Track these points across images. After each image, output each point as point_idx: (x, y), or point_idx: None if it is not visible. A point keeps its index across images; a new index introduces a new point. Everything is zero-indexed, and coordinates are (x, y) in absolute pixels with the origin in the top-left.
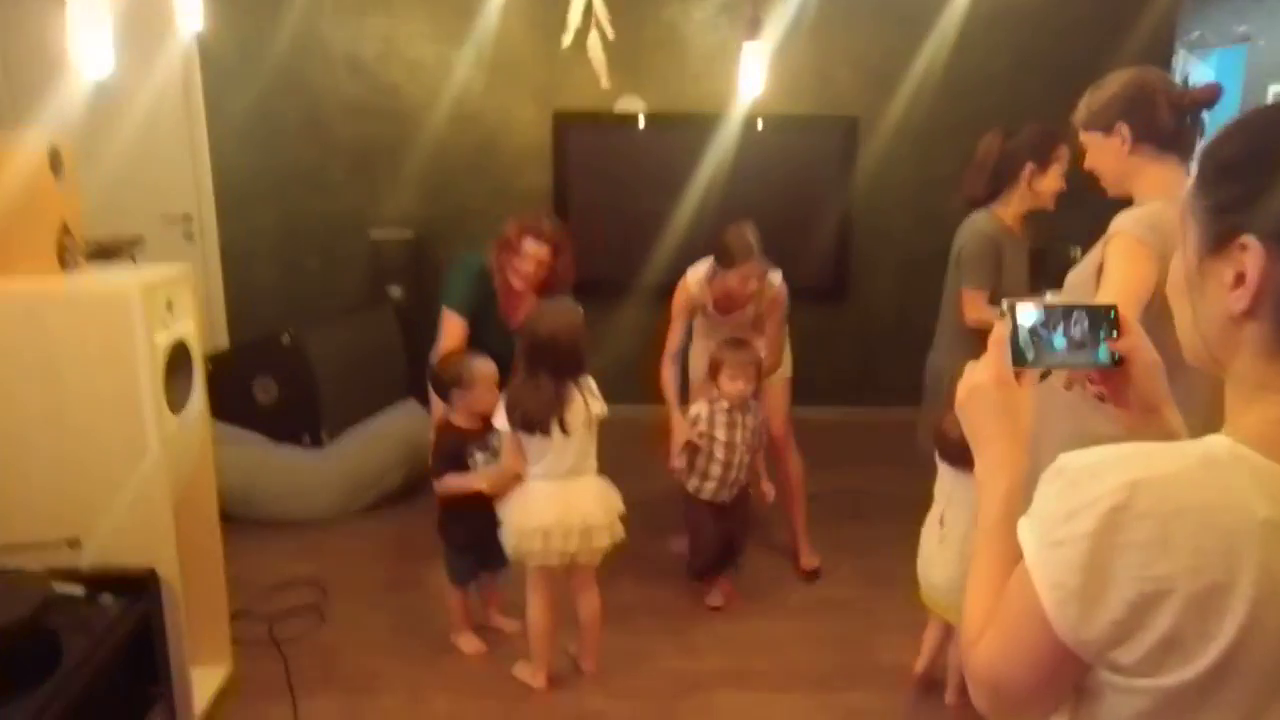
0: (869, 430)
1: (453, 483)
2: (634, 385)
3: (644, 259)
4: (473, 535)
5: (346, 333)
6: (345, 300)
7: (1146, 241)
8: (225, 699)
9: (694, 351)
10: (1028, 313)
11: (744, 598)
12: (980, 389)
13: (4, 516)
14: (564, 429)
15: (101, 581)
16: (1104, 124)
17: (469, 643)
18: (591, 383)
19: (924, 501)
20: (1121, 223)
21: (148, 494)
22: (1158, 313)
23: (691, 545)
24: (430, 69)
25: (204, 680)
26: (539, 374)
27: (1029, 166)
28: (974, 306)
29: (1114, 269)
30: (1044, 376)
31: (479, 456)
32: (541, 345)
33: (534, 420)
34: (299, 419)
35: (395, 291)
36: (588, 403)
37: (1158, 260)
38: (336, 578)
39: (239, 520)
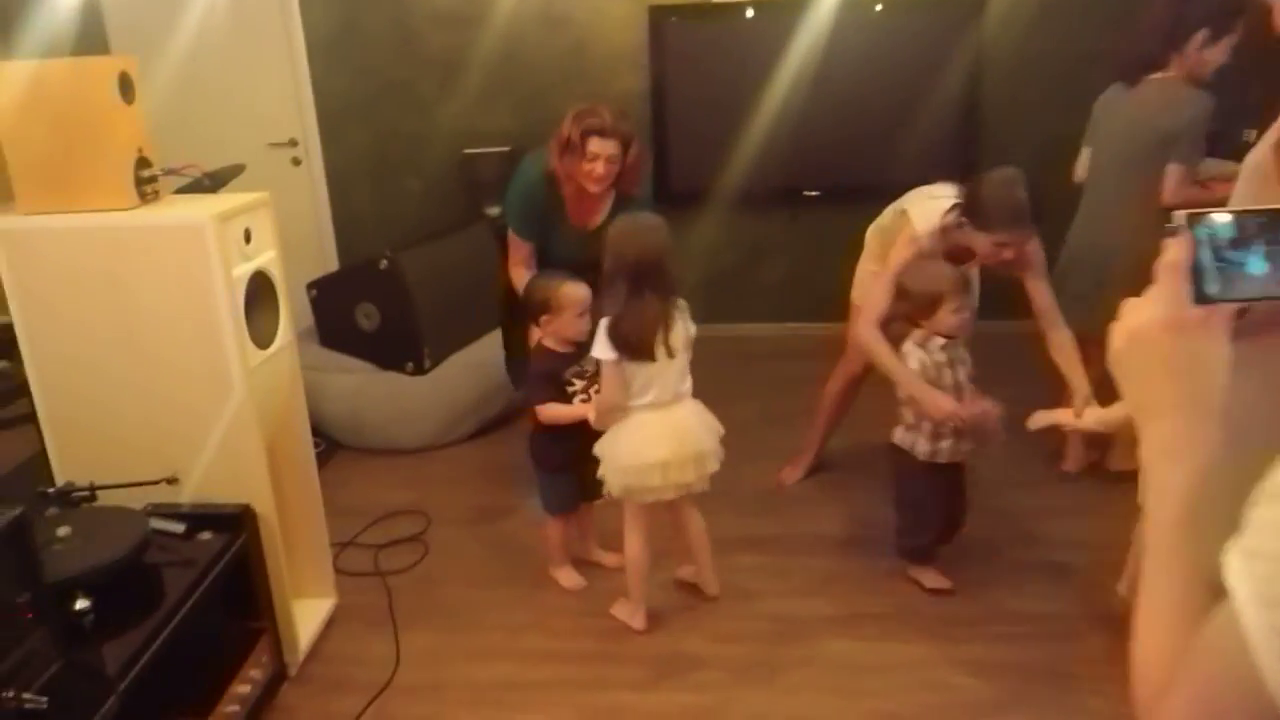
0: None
1: (557, 412)
2: (736, 301)
3: (754, 163)
4: (571, 460)
5: (444, 255)
6: (444, 221)
7: None
8: (331, 630)
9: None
10: (1213, 226)
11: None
12: (1146, 336)
13: (109, 456)
14: (670, 352)
15: (200, 518)
16: None
17: (568, 577)
18: (681, 301)
19: None
20: None
21: (238, 432)
22: None
23: (911, 521)
24: None
25: (310, 613)
26: (639, 295)
27: (1203, 34)
28: (1184, 185)
29: None
30: (1241, 315)
31: (576, 383)
32: (633, 265)
33: (640, 345)
34: (401, 346)
35: (492, 210)
36: (685, 323)
37: None
38: (439, 507)
39: (348, 448)
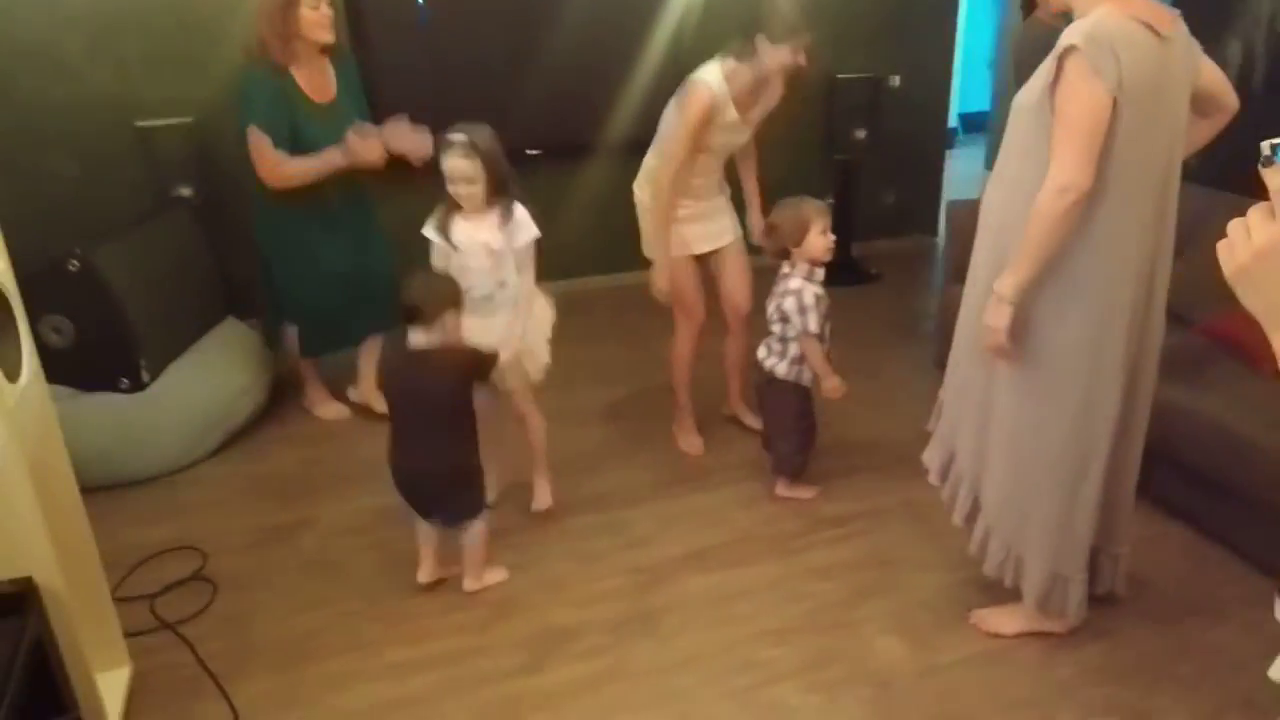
0: None
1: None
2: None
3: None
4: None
5: (143, 248)
6: (119, 209)
7: (1101, 66)
8: (139, 703)
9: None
10: None
11: (667, 470)
12: (1276, 251)
13: None
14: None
15: None
16: None
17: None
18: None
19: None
20: (1071, 38)
21: (3, 487)
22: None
23: (797, 443)
24: None
25: (107, 689)
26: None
27: None
28: None
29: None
30: None
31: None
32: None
33: None
34: (108, 360)
35: (184, 190)
36: None
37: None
38: (210, 537)
39: None
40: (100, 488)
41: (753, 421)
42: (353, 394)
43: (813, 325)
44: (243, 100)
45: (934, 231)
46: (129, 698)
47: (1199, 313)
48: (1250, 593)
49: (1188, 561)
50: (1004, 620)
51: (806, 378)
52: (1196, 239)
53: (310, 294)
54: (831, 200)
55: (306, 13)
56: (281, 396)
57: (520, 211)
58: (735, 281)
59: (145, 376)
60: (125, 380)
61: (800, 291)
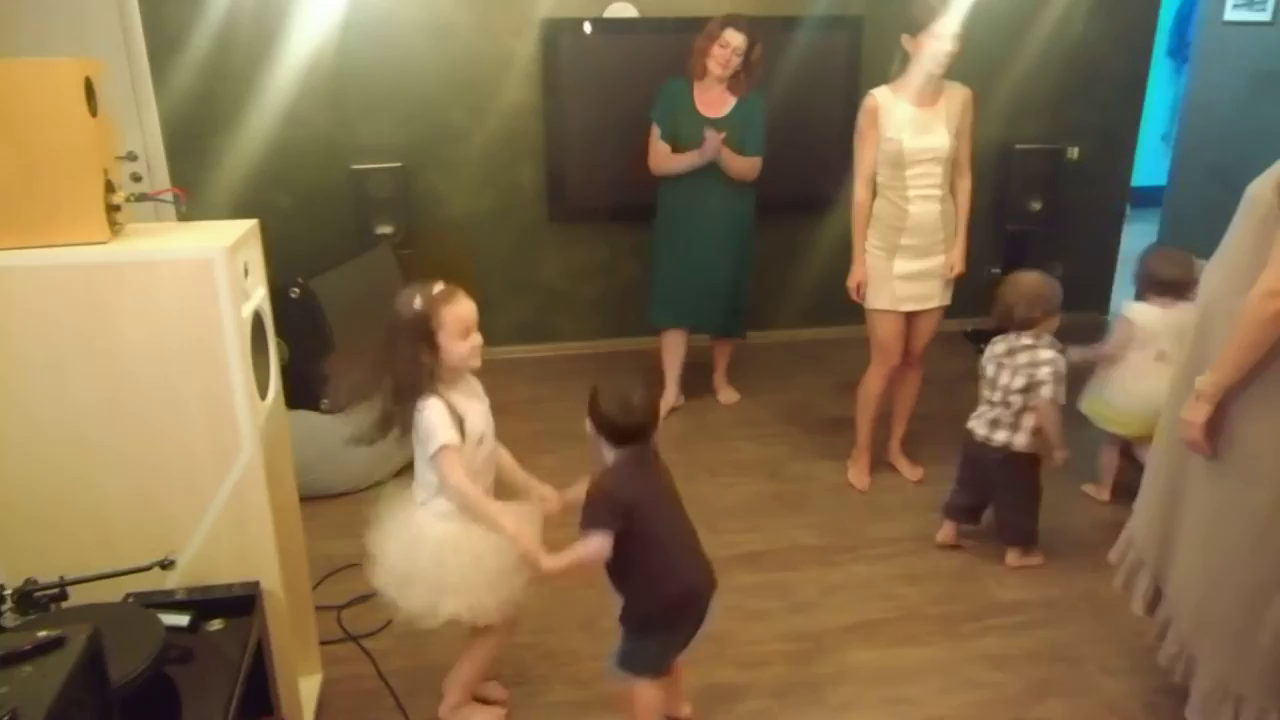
0: None
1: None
2: (636, 315)
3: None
4: None
5: (352, 280)
6: (325, 242)
7: None
8: (325, 709)
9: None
10: None
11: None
12: None
13: (91, 541)
14: None
15: (205, 605)
16: None
17: None
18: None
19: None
20: None
21: (245, 498)
22: None
23: (1033, 510)
24: None
25: (303, 694)
26: None
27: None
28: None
29: None
30: None
31: None
32: None
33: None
34: (315, 381)
35: (385, 229)
36: None
37: None
38: None
39: None
40: (301, 498)
41: (910, 473)
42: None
43: (1062, 396)
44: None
45: (1105, 309)
46: (318, 703)
47: None
48: None
49: None
50: None
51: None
52: None
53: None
54: (998, 270)
55: (719, 50)
56: None
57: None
58: (924, 329)
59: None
60: (327, 401)
61: (1055, 361)
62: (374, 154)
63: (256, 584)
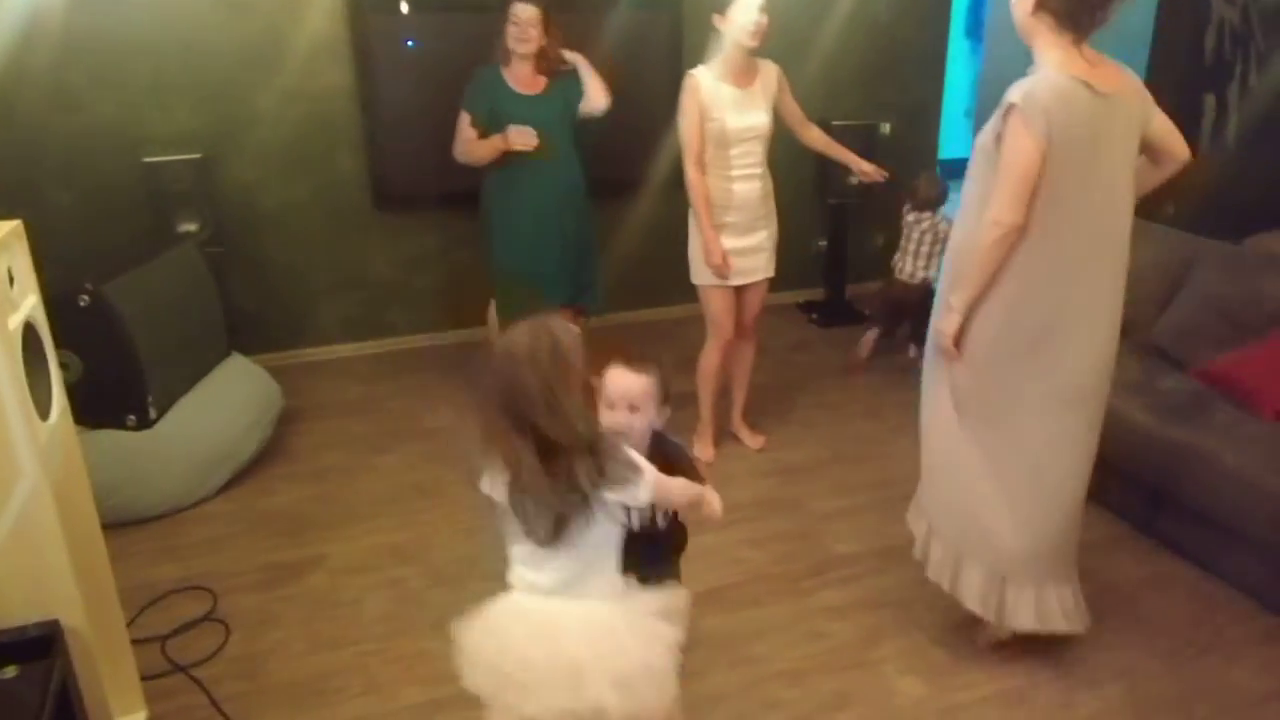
0: None
1: None
2: (471, 305)
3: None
4: None
5: (151, 283)
6: (118, 243)
7: (1031, 122)
8: None
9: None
10: None
11: None
12: None
13: None
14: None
15: None
16: None
17: None
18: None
19: None
20: (1013, 96)
21: (32, 529)
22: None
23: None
24: None
25: None
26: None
27: None
28: None
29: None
30: None
31: None
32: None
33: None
34: (116, 397)
35: (189, 226)
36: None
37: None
38: (219, 576)
39: None
40: (106, 526)
41: (752, 441)
42: None
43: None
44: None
45: None
46: None
47: (1195, 356)
48: (1258, 631)
49: (1197, 602)
50: None
51: None
52: (1186, 284)
53: None
54: (824, 243)
55: (513, 29)
56: (287, 432)
57: None
58: (753, 301)
59: (152, 413)
60: (132, 417)
61: (946, 218)
62: (168, 144)
63: (55, 623)
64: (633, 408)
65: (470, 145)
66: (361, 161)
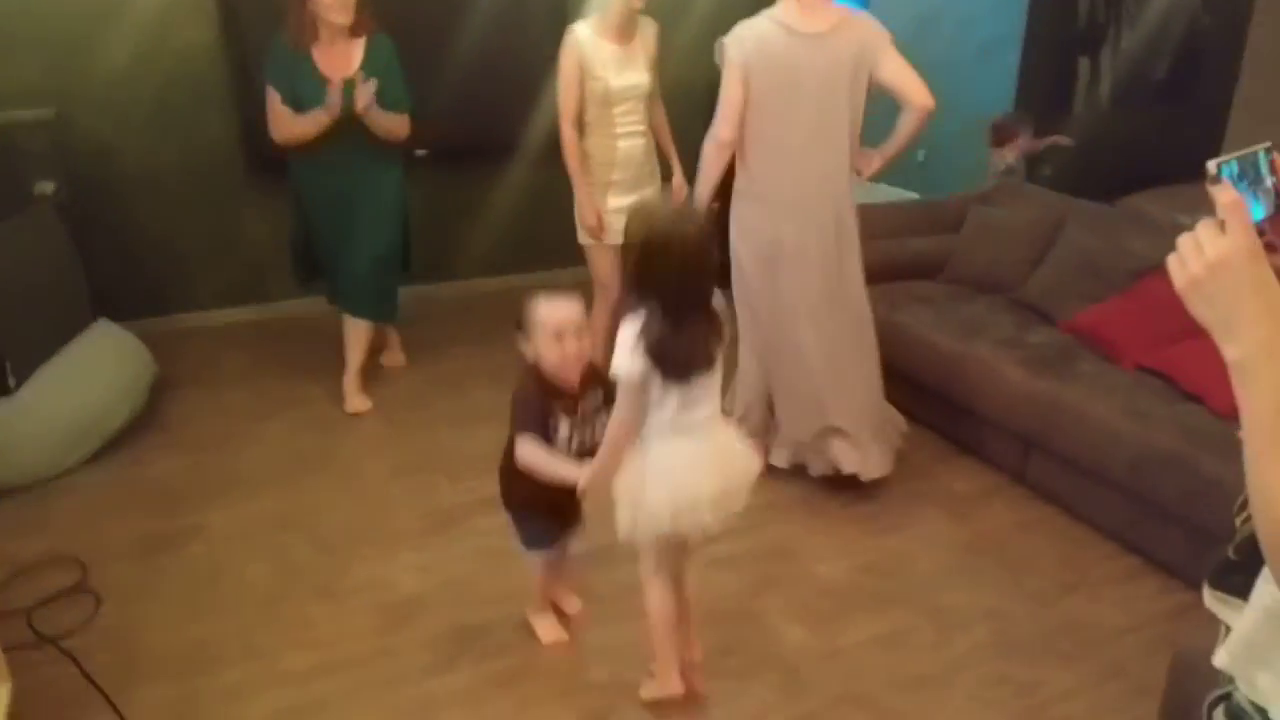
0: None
1: (538, 462)
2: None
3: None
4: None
5: (6, 247)
6: None
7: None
8: None
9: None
10: (1230, 169)
11: None
12: (1228, 265)
13: None
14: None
15: None
16: None
17: (547, 629)
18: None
19: None
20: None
21: None
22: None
23: None
24: None
25: None
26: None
27: None
28: None
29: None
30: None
31: (564, 427)
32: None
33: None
34: None
35: (45, 187)
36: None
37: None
38: (89, 547)
39: None
40: None
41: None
42: None
43: None
44: (266, 64)
45: None
46: (10, 716)
47: (1063, 310)
48: (1119, 570)
49: (1064, 543)
50: None
51: None
52: (1057, 243)
53: None
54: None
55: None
56: (163, 400)
57: None
58: None
59: (11, 382)
60: None
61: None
62: (17, 100)
63: None
64: (579, 333)
65: (288, 122)
66: (232, 123)
